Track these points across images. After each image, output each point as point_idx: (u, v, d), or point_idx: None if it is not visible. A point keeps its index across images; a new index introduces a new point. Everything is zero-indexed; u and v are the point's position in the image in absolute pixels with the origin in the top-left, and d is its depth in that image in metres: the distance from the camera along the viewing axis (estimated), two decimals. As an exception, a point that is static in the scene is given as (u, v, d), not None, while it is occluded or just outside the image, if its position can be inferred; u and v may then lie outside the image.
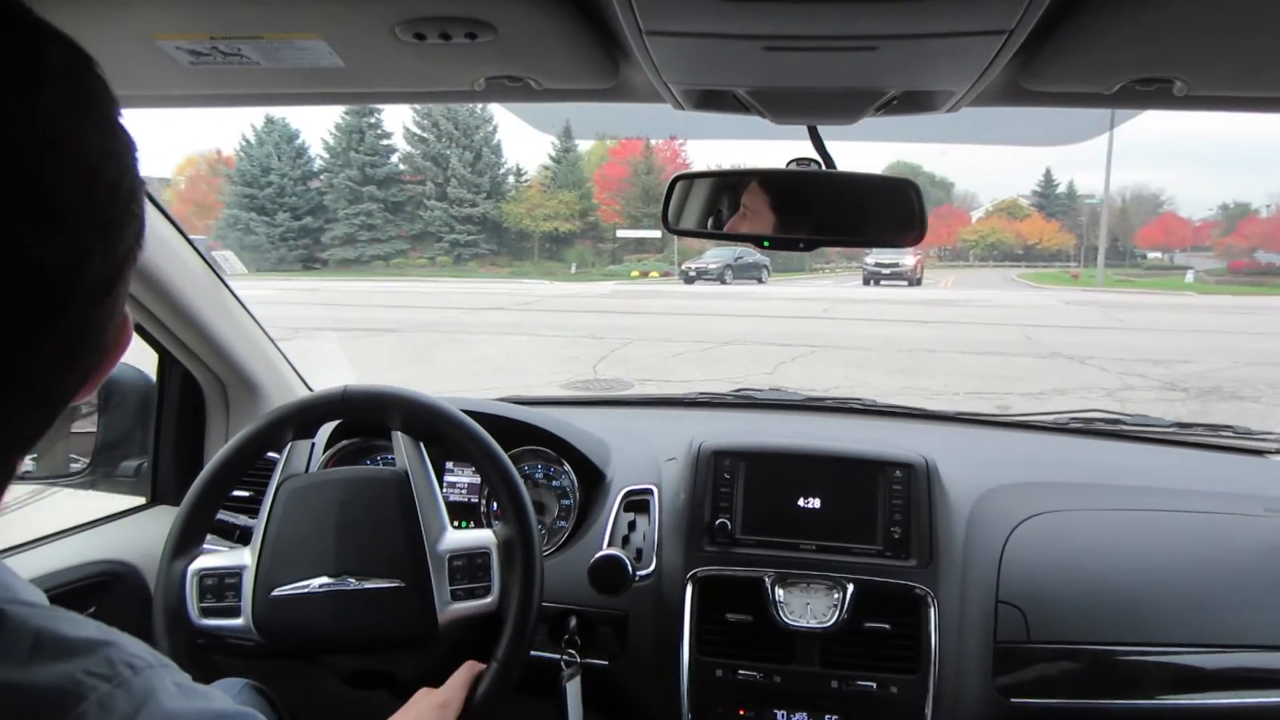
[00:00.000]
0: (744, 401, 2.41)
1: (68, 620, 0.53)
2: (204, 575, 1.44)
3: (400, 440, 1.52)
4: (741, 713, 1.63)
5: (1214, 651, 1.64)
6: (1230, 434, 2.21)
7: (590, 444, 1.95)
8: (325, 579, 1.42)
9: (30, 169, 0.49)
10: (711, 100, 1.36)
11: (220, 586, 1.44)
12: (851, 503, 1.73)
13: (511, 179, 48.80)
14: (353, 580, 1.42)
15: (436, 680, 1.40)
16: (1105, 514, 1.83)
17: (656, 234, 42.63)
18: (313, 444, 1.58)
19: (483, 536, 1.48)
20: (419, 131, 45.73)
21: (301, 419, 1.55)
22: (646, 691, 1.70)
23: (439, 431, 1.51)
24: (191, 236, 1.87)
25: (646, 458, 1.95)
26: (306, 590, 1.42)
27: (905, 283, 32.09)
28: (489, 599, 1.44)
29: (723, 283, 31.24)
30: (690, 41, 1.08)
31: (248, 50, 1.14)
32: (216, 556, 1.48)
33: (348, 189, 43.89)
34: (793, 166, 1.48)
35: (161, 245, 1.78)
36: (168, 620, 1.43)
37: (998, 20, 0.97)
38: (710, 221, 1.58)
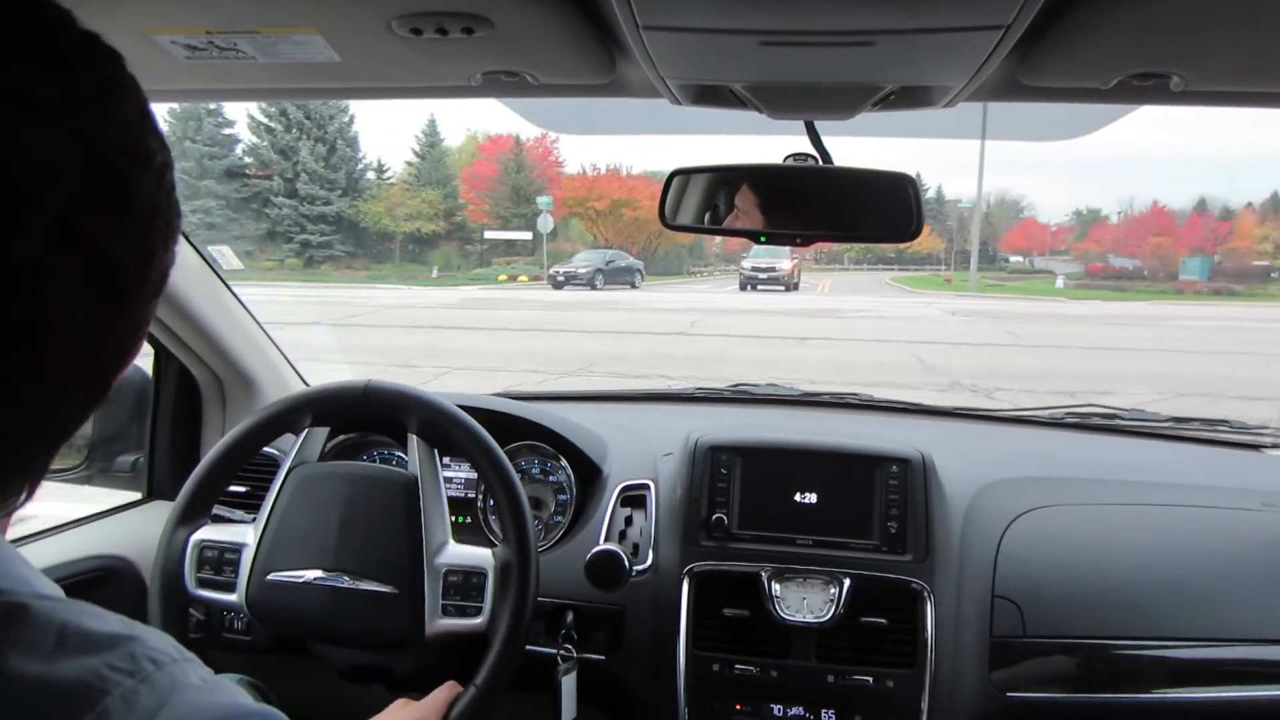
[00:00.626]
0: (740, 396, 2.41)
1: (91, 615, 0.54)
2: (205, 547, 1.48)
3: (415, 444, 1.52)
4: (738, 707, 1.64)
5: (1210, 646, 1.64)
6: (1226, 429, 2.21)
7: (587, 439, 1.95)
8: (320, 572, 1.43)
9: (115, 174, 0.53)
10: (708, 95, 1.36)
11: (219, 560, 1.47)
12: (848, 498, 1.74)
13: (371, 175, 45.37)
14: (347, 578, 1.43)
15: (428, 680, 1.40)
16: (1101, 509, 1.83)
17: (527, 235, 41.36)
18: (327, 432, 1.59)
19: (481, 556, 1.48)
20: (265, 120, 41.24)
21: (322, 406, 1.56)
22: (643, 686, 1.70)
23: (454, 440, 1.52)
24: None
25: (643, 453, 1.95)
26: (301, 580, 1.43)
27: (782, 288, 30.97)
28: (478, 620, 1.45)
29: (593, 288, 29.25)
30: (687, 36, 1.08)
31: (244, 44, 1.14)
32: (219, 529, 1.50)
33: (183, 183, 38.41)
34: (790, 162, 1.48)
35: None
36: (164, 586, 1.46)
37: (995, 15, 0.97)
38: (708, 216, 1.58)
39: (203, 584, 1.46)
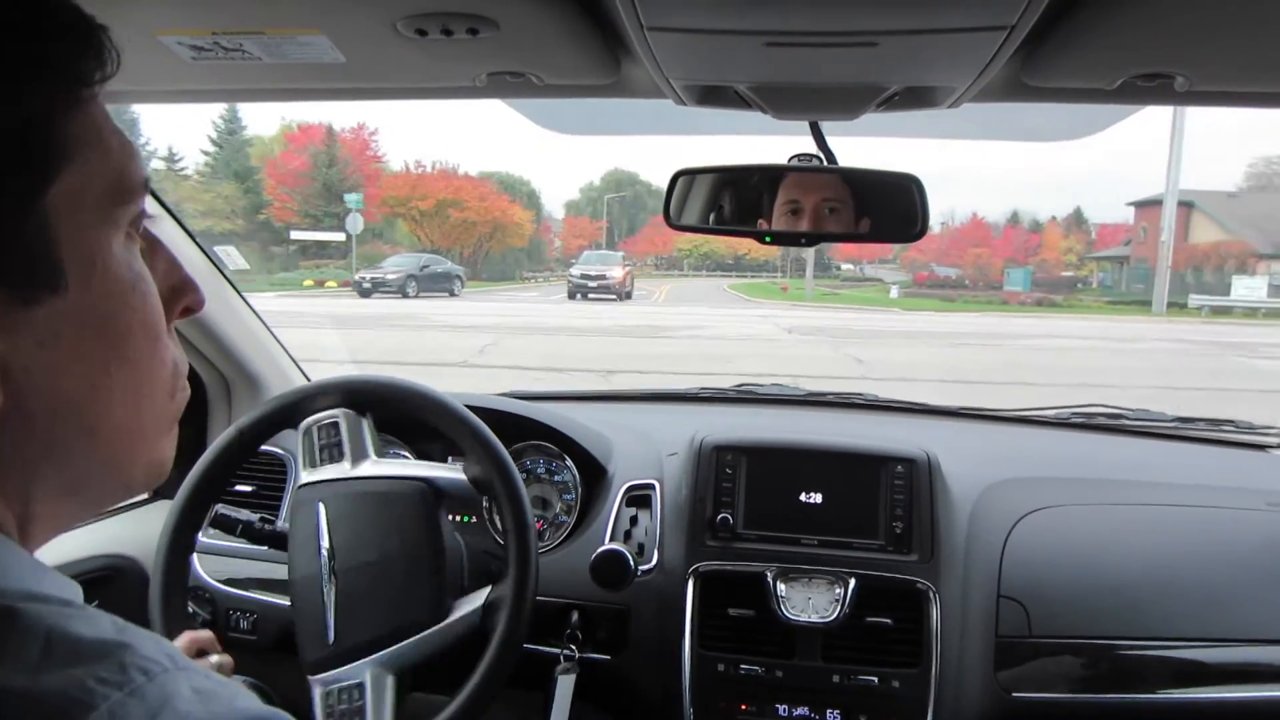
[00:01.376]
0: (746, 396, 2.41)
1: (82, 619, 0.51)
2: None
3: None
4: (743, 707, 1.64)
5: (1216, 646, 1.64)
6: (1232, 428, 2.21)
7: (592, 439, 1.96)
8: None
9: None
10: (713, 96, 1.37)
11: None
12: (853, 498, 1.74)
13: (160, 164, 38.70)
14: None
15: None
16: (1107, 509, 1.83)
17: (340, 236, 36.43)
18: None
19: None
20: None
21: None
22: (648, 686, 1.70)
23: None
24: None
25: (648, 453, 1.95)
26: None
27: (614, 296, 28.62)
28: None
29: (404, 295, 26.67)
30: (692, 37, 1.08)
31: (249, 45, 1.14)
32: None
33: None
34: (794, 162, 1.48)
35: (166, 241, 1.78)
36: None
37: (999, 16, 0.97)
38: (712, 217, 1.59)
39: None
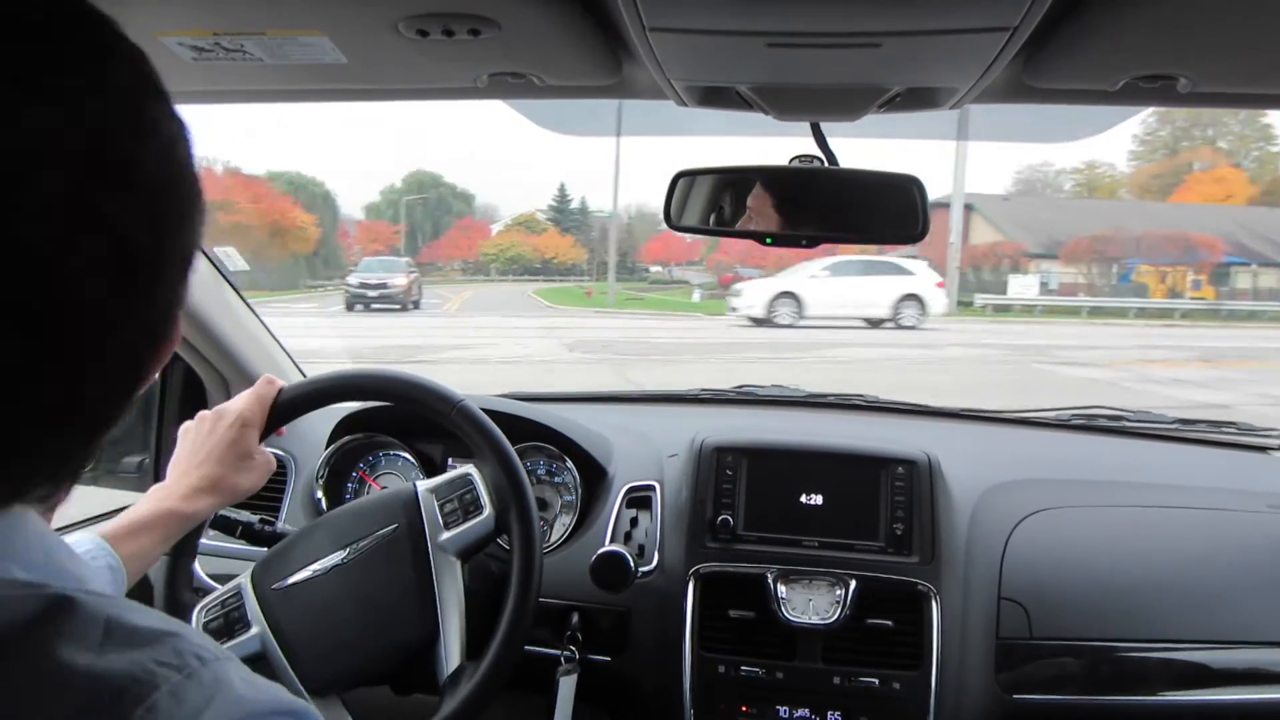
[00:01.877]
0: (746, 398, 2.41)
1: (134, 610, 0.54)
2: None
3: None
4: (744, 709, 1.63)
5: (1217, 648, 1.64)
6: (1233, 430, 2.20)
7: (593, 440, 1.95)
8: (326, 561, 1.43)
9: (112, 140, 0.52)
10: (714, 97, 1.37)
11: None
12: (854, 499, 1.73)
13: None
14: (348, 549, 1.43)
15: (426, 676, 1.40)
16: (1108, 510, 1.83)
17: None
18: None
19: (461, 470, 1.50)
20: None
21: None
22: (649, 687, 1.70)
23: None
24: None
25: (649, 454, 1.95)
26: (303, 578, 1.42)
27: (398, 306, 26.46)
28: (483, 515, 1.45)
29: None
30: (693, 38, 1.08)
31: (250, 46, 1.14)
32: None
33: None
34: (795, 163, 1.48)
35: None
36: (169, 591, 1.43)
37: (1002, 17, 0.97)
38: (713, 218, 1.58)
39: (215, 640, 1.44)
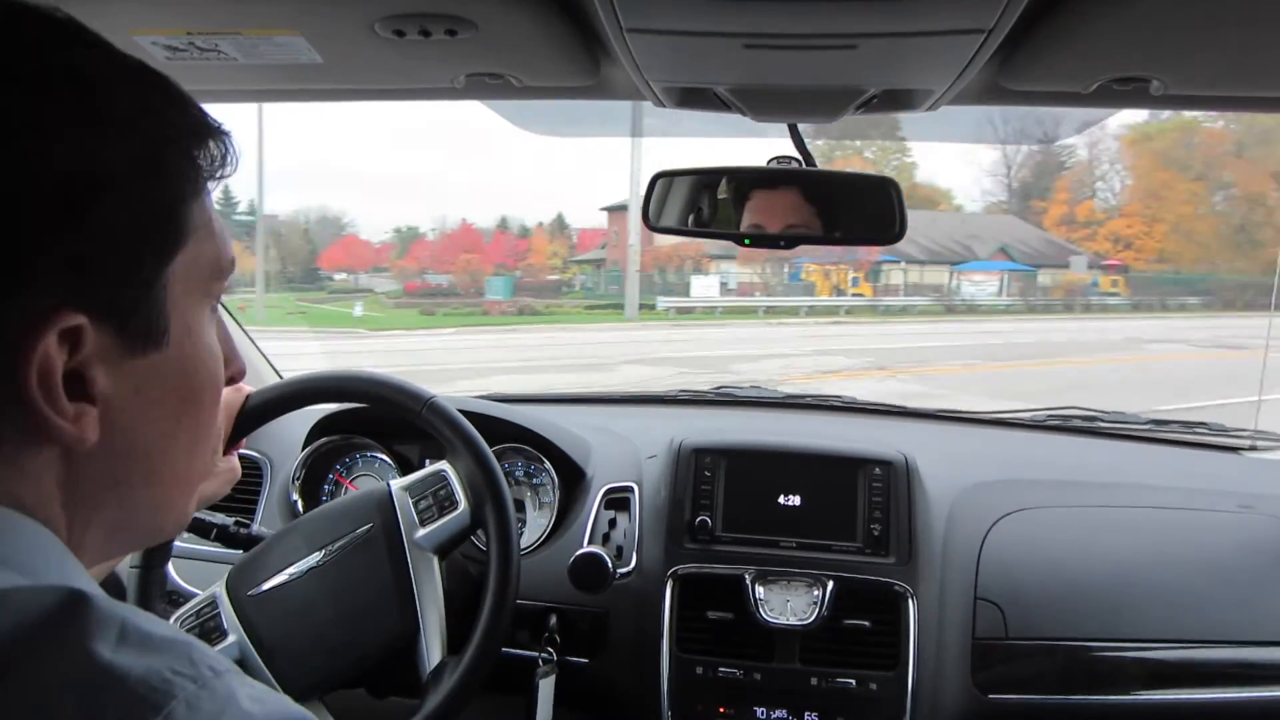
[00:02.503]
0: (724, 399, 2.41)
1: (145, 617, 0.55)
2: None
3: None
4: (721, 710, 1.63)
5: (1190, 647, 1.65)
6: (1205, 430, 2.23)
7: (571, 442, 1.95)
8: (302, 564, 1.42)
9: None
10: (692, 98, 1.37)
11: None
12: (831, 500, 1.74)
13: None
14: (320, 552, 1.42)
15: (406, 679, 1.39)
16: (1082, 510, 1.84)
17: None
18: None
19: (436, 466, 1.48)
20: None
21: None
22: (627, 689, 1.70)
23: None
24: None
25: (627, 455, 1.94)
26: (280, 581, 1.41)
27: None
28: (459, 510, 1.44)
29: None
30: (671, 39, 1.09)
31: (225, 46, 1.14)
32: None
33: None
34: (773, 164, 1.48)
35: None
36: (140, 596, 1.42)
37: (977, 19, 0.98)
38: (691, 219, 1.59)
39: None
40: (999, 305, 34.92)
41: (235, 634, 1.39)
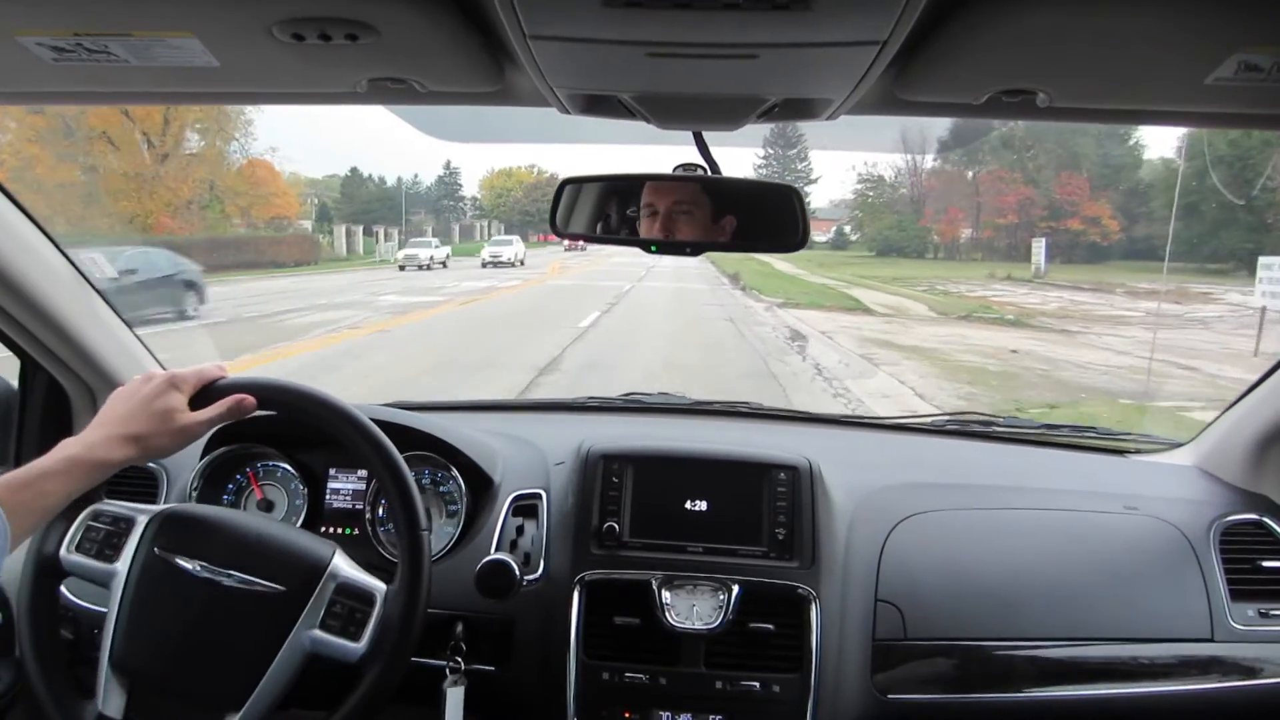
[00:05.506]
0: (632, 406, 2.42)
1: None
2: (88, 528, 1.39)
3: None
4: (627, 715, 1.64)
5: (1078, 645, 1.71)
6: (1094, 434, 2.31)
7: (478, 449, 1.94)
8: (211, 569, 1.37)
9: None
10: (597, 105, 1.37)
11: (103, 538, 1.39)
12: (738, 505, 1.76)
13: None
14: (235, 573, 1.37)
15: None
16: (978, 513, 1.89)
17: None
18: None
19: (374, 585, 1.43)
20: None
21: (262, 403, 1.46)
22: (533, 696, 1.69)
23: (358, 450, 1.46)
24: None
25: (535, 462, 1.94)
26: (187, 567, 1.37)
27: None
28: (359, 644, 1.38)
29: None
30: (573, 46, 1.09)
31: (115, 47, 1.11)
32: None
33: None
34: (679, 171, 1.50)
35: (20, 245, 1.71)
36: (33, 603, 1.38)
37: (871, 31, 1.00)
38: (599, 226, 1.59)
39: (81, 547, 1.38)
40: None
41: (123, 566, 1.37)
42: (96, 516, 1.39)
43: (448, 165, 69.96)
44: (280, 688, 1.36)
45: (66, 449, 1.27)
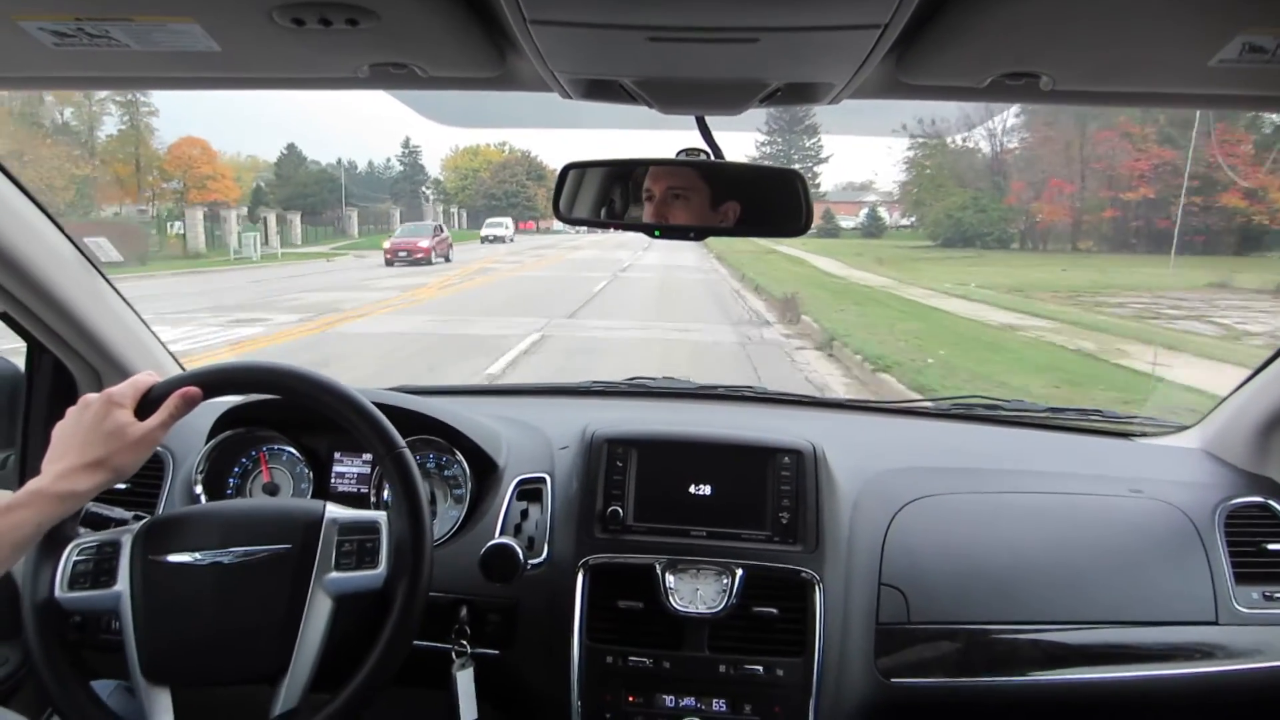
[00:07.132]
0: (637, 390, 2.42)
1: None
2: (81, 547, 1.39)
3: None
4: (631, 699, 1.64)
5: (1081, 628, 1.71)
6: (1099, 418, 2.30)
7: (483, 433, 1.94)
8: (210, 554, 1.38)
9: None
10: (598, 90, 1.37)
11: (97, 556, 1.39)
12: (741, 489, 1.76)
13: None
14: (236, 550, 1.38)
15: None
16: (982, 497, 1.89)
17: None
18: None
19: (373, 515, 1.45)
20: None
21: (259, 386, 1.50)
22: (537, 680, 1.70)
23: (356, 427, 1.47)
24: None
25: (540, 446, 1.94)
26: (187, 561, 1.37)
27: None
28: (378, 570, 1.40)
29: None
30: (575, 31, 1.09)
31: (117, 32, 1.10)
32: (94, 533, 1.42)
33: None
34: (682, 156, 1.49)
35: (27, 229, 1.71)
36: (35, 596, 1.37)
37: (873, 14, 0.99)
38: (603, 211, 1.59)
39: (76, 583, 1.37)
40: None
41: (123, 586, 1.36)
42: (80, 550, 1.39)
43: (407, 143, 64.60)
44: (319, 641, 1.37)
45: (30, 485, 1.27)
